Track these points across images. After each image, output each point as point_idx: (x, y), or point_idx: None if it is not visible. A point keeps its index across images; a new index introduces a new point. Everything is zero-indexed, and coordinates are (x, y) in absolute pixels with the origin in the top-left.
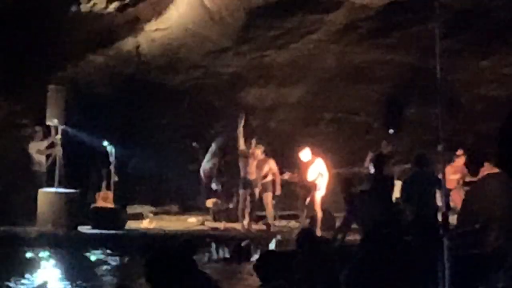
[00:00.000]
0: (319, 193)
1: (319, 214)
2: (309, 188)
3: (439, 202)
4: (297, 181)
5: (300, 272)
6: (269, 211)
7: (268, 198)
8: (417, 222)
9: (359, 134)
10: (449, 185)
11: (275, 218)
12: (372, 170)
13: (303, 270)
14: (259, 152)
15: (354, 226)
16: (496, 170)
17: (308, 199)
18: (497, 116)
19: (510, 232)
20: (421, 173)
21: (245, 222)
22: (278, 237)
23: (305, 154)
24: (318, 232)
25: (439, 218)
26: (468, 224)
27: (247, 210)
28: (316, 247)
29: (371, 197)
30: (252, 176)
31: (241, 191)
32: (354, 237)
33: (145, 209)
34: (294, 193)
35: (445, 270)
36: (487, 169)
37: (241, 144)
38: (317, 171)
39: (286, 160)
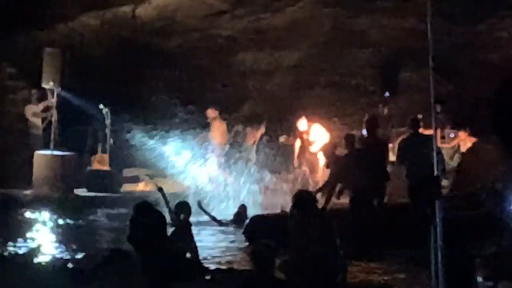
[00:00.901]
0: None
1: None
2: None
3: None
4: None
5: (293, 232)
6: None
7: None
8: (412, 184)
9: (355, 97)
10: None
11: None
12: (364, 133)
13: (296, 230)
14: None
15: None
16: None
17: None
18: (493, 80)
19: (502, 198)
20: (416, 136)
21: None
22: None
23: (302, 123)
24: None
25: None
26: (461, 188)
27: None
28: (312, 208)
29: (362, 160)
30: None
31: None
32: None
33: (141, 172)
34: (289, 156)
35: (438, 231)
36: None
37: None
38: (317, 138)
39: (282, 123)
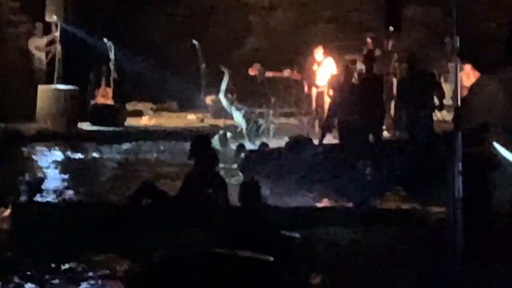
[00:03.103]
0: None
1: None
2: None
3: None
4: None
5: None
6: None
7: None
8: (412, 121)
9: (359, 33)
10: None
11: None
12: (361, 68)
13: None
14: None
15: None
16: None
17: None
18: (498, 17)
19: (508, 133)
20: (416, 73)
21: None
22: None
23: (318, 54)
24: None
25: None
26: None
27: None
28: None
29: (358, 95)
30: None
31: None
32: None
33: (145, 106)
34: (293, 91)
35: (456, 167)
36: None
37: None
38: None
39: (285, 57)
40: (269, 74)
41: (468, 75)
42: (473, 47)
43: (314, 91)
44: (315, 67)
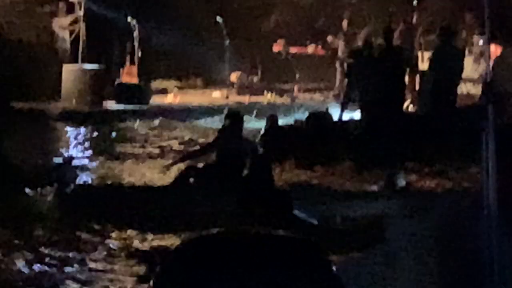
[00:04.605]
0: None
1: None
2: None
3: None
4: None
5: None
6: None
7: None
8: (435, 92)
9: (383, 5)
10: None
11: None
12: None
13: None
14: None
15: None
16: None
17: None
18: None
19: None
20: (445, 45)
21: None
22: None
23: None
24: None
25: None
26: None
27: None
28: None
29: (378, 70)
30: None
31: None
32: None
33: (170, 83)
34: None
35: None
36: None
37: None
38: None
39: (310, 32)
40: (293, 49)
41: (496, 52)
42: (497, 20)
43: (338, 66)
44: (338, 41)
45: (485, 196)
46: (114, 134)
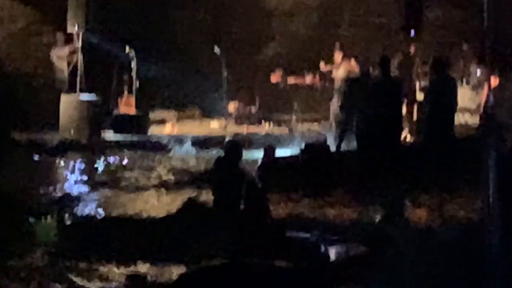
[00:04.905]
0: None
1: None
2: None
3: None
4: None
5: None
6: None
7: None
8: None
9: (379, 36)
10: None
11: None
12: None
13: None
14: None
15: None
16: None
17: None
18: None
19: None
20: (439, 76)
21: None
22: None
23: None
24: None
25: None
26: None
27: None
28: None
29: (375, 100)
30: None
31: None
32: None
33: (167, 114)
34: (316, 97)
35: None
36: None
37: None
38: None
39: (307, 63)
40: (291, 80)
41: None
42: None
43: (334, 96)
44: (335, 71)
45: (487, 226)
46: (109, 164)
